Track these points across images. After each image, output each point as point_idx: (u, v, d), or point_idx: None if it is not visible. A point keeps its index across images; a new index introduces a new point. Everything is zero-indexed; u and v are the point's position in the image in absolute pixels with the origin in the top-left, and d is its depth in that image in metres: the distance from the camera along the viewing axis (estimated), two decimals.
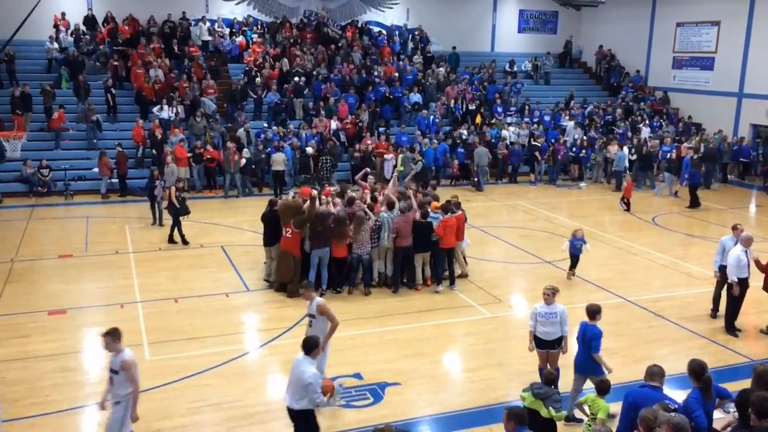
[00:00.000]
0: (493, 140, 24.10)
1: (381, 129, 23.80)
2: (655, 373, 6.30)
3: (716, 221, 18.66)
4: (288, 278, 12.33)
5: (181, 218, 15.63)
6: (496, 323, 11.47)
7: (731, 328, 11.11)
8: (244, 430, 8.00)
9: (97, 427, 8.07)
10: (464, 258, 13.74)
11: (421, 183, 18.46)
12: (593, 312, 8.08)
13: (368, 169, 16.17)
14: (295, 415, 6.95)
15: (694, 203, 20.26)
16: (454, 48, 29.89)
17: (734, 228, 11.53)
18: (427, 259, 13.02)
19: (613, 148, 23.43)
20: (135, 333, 10.60)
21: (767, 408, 5.39)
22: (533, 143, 24.26)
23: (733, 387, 8.25)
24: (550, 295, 8.47)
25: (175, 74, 24.22)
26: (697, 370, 6.08)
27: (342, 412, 8.43)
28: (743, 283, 10.94)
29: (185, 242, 15.53)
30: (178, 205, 15.51)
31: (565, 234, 17.07)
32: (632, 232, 17.61)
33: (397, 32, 29.82)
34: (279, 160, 20.79)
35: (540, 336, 8.54)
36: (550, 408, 6.93)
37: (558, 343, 8.54)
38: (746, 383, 6.87)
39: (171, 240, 15.57)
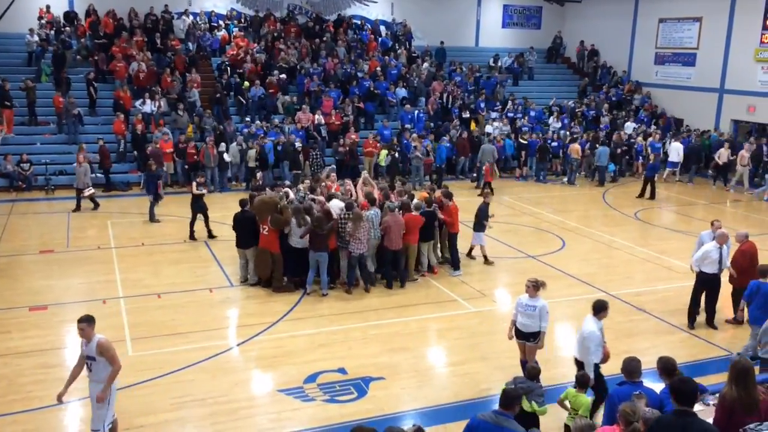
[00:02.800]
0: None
1: (372, 131, 23.65)
2: (633, 371, 6.44)
3: (698, 216, 18.87)
4: (266, 275, 12.27)
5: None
6: (480, 317, 11.52)
7: (710, 322, 11.26)
8: (228, 425, 7.99)
9: (79, 423, 8.03)
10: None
11: (393, 177, 18.73)
12: (765, 272, 9.68)
13: (333, 166, 16.28)
14: (579, 364, 7.90)
15: (643, 193, 21.00)
16: (441, 43, 29.88)
17: (712, 224, 11.71)
18: (431, 247, 13.14)
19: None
20: (118, 328, 10.53)
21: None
22: (520, 141, 24.28)
23: (713, 379, 8.42)
24: (530, 287, 8.53)
25: (156, 67, 23.95)
26: (659, 366, 6.26)
27: (326, 407, 8.45)
28: (714, 278, 10.95)
29: (193, 237, 15.42)
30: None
31: (550, 228, 17.24)
32: (614, 226, 17.76)
33: (382, 26, 29.74)
34: (253, 156, 20.77)
35: (519, 327, 8.66)
36: (533, 402, 7.00)
37: (534, 337, 8.58)
38: (725, 376, 6.95)
39: (192, 236, 15.44)
